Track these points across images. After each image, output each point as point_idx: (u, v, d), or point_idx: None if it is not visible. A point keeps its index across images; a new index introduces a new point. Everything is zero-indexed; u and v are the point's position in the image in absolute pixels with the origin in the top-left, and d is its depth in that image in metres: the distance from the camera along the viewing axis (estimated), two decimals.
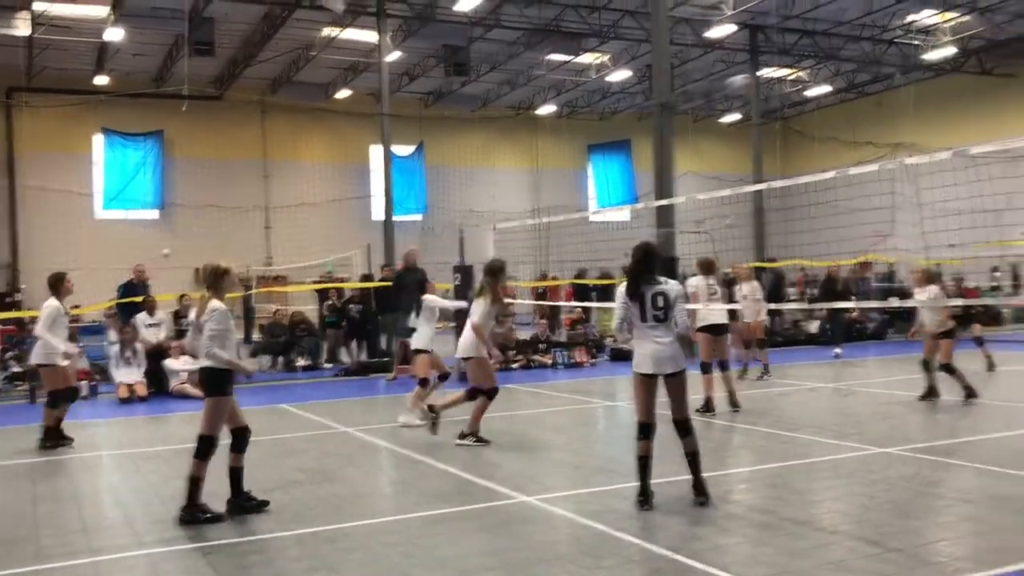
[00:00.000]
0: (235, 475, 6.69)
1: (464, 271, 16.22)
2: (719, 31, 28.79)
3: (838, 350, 18.21)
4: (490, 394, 9.21)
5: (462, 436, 9.22)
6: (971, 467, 7.56)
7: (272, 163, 32.75)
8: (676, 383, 6.56)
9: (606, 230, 28.36)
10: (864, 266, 23.22)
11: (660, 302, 6.48)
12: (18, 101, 28.69)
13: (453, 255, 17.77)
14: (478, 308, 9.29)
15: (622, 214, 33.55)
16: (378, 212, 30.26)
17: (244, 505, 6.62)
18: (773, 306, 16.50)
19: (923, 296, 11.38)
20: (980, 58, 33.05)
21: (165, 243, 29.56)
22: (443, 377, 10.70)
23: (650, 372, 6.48)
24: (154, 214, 30.92)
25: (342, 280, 22.30)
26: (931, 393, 11.40)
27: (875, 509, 6.33)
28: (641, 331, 6.55)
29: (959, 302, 13.60)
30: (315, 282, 23.31)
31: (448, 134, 35.50)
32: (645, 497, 6.46)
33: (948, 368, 11.25)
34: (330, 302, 18.95)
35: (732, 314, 13.70)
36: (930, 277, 11.67)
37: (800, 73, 36.11)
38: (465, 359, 9.41)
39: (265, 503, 6.72)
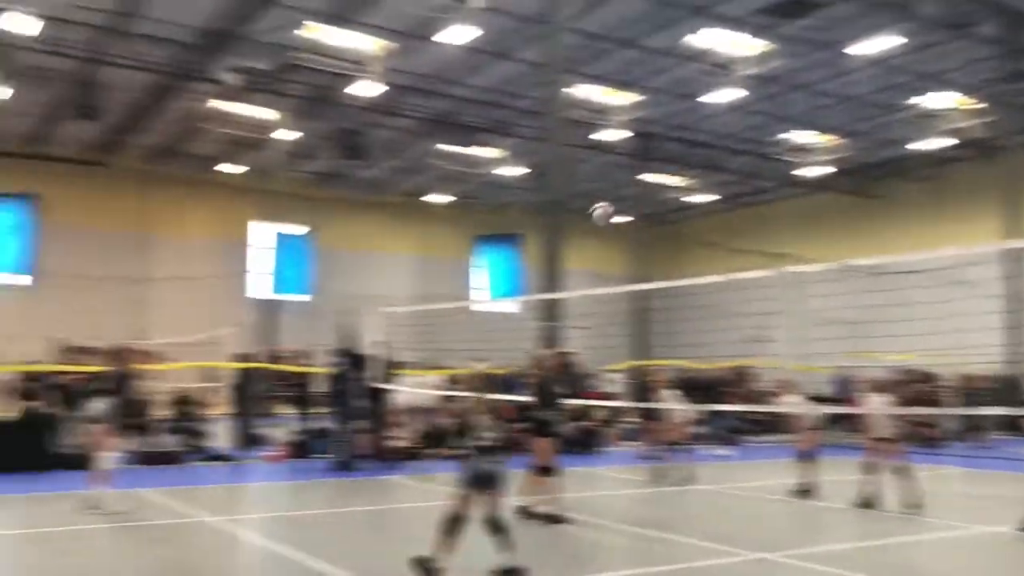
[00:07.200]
0: None
1: (354, 357, 15.71)
2: (611, 135, 29.62)
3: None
4: None
5: None
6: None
7: (151, 236, 31.69)
8: None
9: (492, 321, 28.34)
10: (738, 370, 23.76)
11: None
12: None
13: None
14: None
15: (511, 305, 33.73)
16: (254, 290, 29.43)
17: None
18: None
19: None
20: (850, 178, 34.98)
21: (33, 311, 27.71)
22: None
23: None
24: (26, 280, 29.72)
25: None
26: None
27: None
28: None
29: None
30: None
31: (340, 216, 35.34)
32: None
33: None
34: None
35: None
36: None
37: (684, 181, 37.40)
38: None
39: None
